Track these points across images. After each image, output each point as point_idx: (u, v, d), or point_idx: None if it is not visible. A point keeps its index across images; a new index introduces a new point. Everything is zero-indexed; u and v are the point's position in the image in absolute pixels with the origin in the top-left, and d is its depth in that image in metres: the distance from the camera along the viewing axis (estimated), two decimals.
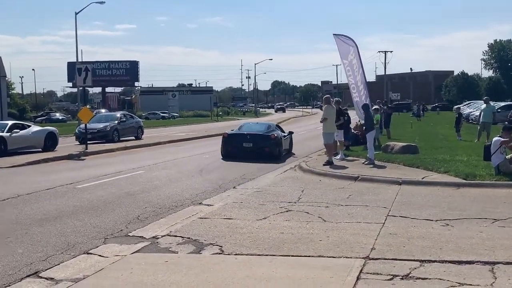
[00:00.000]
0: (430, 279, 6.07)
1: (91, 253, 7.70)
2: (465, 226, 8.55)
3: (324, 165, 16.39)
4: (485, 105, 25.92)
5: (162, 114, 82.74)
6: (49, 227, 9.25)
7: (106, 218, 9.97)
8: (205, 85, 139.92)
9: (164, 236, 8.49)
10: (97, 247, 8.03)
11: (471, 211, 9.68)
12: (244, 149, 19.93)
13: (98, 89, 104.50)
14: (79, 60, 45.76)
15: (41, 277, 6.66)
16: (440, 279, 6.05)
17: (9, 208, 10.97)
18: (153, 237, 8.46)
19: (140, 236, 8.57)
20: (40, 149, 23.19)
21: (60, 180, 14.74)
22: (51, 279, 6.57)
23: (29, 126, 24.39)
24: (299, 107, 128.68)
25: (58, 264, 7.18)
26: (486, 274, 6.21)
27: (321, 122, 17.26)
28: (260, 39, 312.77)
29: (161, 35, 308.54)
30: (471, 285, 5.84)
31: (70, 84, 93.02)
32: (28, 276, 6.71)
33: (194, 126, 51.52)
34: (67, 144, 27.42)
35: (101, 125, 29.08)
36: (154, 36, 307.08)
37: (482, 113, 25.01)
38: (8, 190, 12.97)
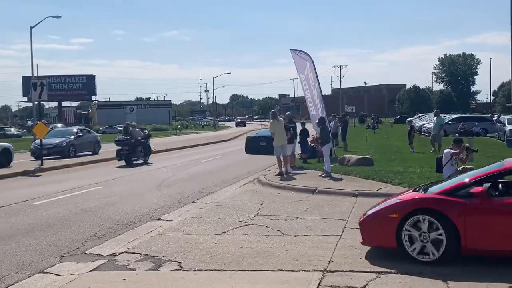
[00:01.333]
0: None
1: (47, 272, 7.52)
2: None
3: (275, 175, 16.81)
4: (435, 118, 26.63)
5: (119, 128, 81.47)
6: (3, 246, 8.98)
7: (63, 236, 9.74)
8: (163, 99, 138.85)
9: (122, 253, 8.34)
10: (53, 265, 7.84)
11: None
12: (260, 146, 28.47)
13: (54, 103, 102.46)
14: (35, 74, 44.80)
15: None
16: None
17: None
18: (111, 254, 8.31)
19: (97, 254, 8.41)
20: None
21: (15, 197, 14.33)
22: None
23: None
24: (257, 120, 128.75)
25: (13, 284, 7.01)
26: (441, 285, 6.33)
27: (274, 135, 17.65)
28: (219, 54, 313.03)
29: (118, 49, 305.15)
30: None
31: (26, 99, 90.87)
32: None
33: (152, 140, 50.91)
34: (23, 160, 26.67)
35: (57, 141, 28.37)
36: (111, 50, 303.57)
37: (433, 125, 25.71)
38: None
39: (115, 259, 8.00)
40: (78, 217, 11.46)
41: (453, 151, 13.07)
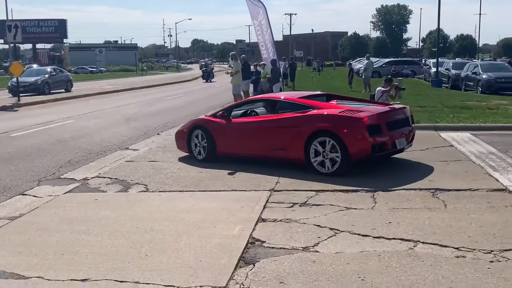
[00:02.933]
0: (323, 205, 6.38)
1: (26, 194, 7.43)
2: None
3: None
4: (366, 61, 27.07)
5: (90, 69, 79.05)
6: None
7: (39, 163, 9.58)
8: (130, 42, 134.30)
9: (93, 177, 8.30)
10: (32, 188, 7.75)
11: None
12: None
13: (29, 46, 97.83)
14: (10, 18, 42.33)
15: None
16: (331, 205, 6.37)
17: None
18: (84, 178, 8.25)
19: (71, 178, 8.33)
20: None
21: None
22: None
23: None
24: (216, 63, 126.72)
25: None
26: (368, 199, 6.58)
27: (231, 75, 17.45)
28: (181, 0, 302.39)
29: None
30: (356, 208, 6.20)
31: (1, 41, 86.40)
32: None
33: (120, 80, 49.66)
34: (1, 97, 25.73)
35: (32, 79, 27.60)
36: None
37: (364, 68, 26.13)
38: None
39: (87, 183, 7.96)
40: (53, 147, 11.25)
41: (383, 89, 13.31)
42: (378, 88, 13.82)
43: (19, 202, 7.00)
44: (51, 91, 28.11)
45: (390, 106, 8.86)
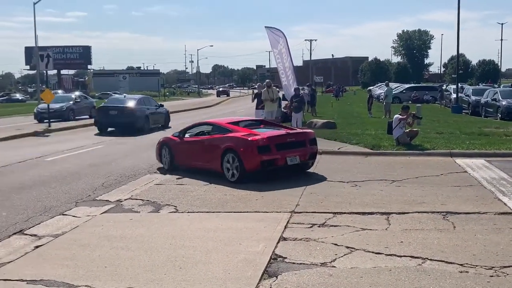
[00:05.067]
0: (340, 226, 6.93)
1: (66, 214, 8.11)
2: (369, 186, 9.47)
3: None
4: (386, 88, 27.69)
5: (114, 95, 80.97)
6: (26, 194, 9.53)
7: (75, 186, 10.31)
8: (152, 68, 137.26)
9: (127, 199, 8.97)
10: (70, 209, 8.44)
11: (375, 175, 10.62)
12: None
13: (53, 71, 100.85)
14: (36, 45, 44.13)
15: (26, 234, 7.06)
16: (348, 226, 6.92)
17: None
18: (118, 200, 8.92)
19: (106, 200, 9.01)
20: None
21: (30, 154, 14.78)
22: (35, 235, 6.98)
23: None
24: (236, 88, 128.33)
25: (39, 224, 7.58)
26: (383, 221, 7.13)
27: (272, 102, 18.04)
28: (201, 28, 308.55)
29: (109, 22, 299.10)
30: (371, 229, 6.73)
31: (28, 67, 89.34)
32: (15, 233, 7.10)
33: None
34: (27, 122, 26.87)
35: (57, 105, 27.92)
36: (103, 23, 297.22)
37: (385, 94, 26.74)
38: None
39: (121, 204, 8.64)
40: (86, 171, 12.01)
41: (400, 116, 13.84)
42: (395, 116, 14.34)
43: (60, 222, 7.69)
44: (76, 118, 28.80)
45: (288, 131, 10.99)
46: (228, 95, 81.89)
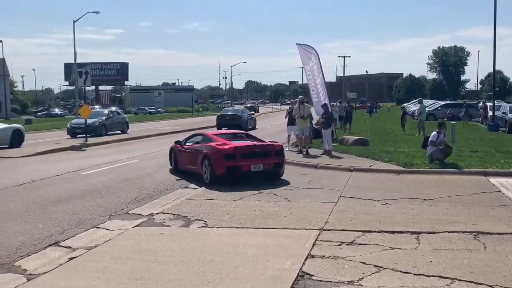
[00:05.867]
0: (369, 244, 6.90)
1: (99, 227, 8.32)
2: (400, 205, 9.39)
3: (297, 153, 17.46)
4: (420, 105, 27.40)
5: (149, 110, 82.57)
6: (62, 207, 9.83)
7: (109, 199, 10.57)
8: (187, 84, 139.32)
9: (158, 213, 9.15)
10: (104, 222, 8.65)
11: (406, 193, 10.51)
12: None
13: (91, 87, 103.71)
14: (75, 61, 45.62)
15: (61, 246, 7.28)
16: (377, 244, 6.88)
17: (26, 191, 11.48)
18: (149, 214, 9.11)
19: (138, 214, 9.21)
20: (6, 146, 21.58)
21: (67, 168, 15.22)
22: (69, 247, 7.19)
23: None
24: (269, 104, 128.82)
25: (74, 236, 7.79)
26: (412, 240, 7.06)
27: (303, 119, 17.94)
28: (235, 44, 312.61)
29: (145, 38, 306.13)
30: (400, 248, 6.68)
31: (67, 83, 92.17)
32: (50, 245, 7.32)
33: (178, 121, 51.81)
34: (66, 137, 27.67)
35: (90, 121, 27.48)
36: (139, 40, 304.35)
37: (419, 111, 26.48)
38: (23, 177, 13.45)
39: (153, 218, 8.81)
40: (120, 185, 12.30)
41: (437, 134, 13.72)
42: (433, 133, 14.23)
43: (94, 234, 7.90)
44: (108, 133, 29.10)
45: (256, 143, 12.74)
46: (256, 111, 74.18)
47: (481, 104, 44.19)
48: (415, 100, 63.92)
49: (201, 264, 6.19)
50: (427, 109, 35.30)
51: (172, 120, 54.29)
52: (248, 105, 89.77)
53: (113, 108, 37.31)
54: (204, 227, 8.14)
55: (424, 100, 35.61)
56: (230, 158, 11.87)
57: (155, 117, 66.99)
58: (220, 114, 37.37)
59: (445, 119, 35.20)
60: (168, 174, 14.09)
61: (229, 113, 36.38)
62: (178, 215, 8.94)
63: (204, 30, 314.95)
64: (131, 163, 16.71)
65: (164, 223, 8.43)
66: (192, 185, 12.19)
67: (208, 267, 6.07)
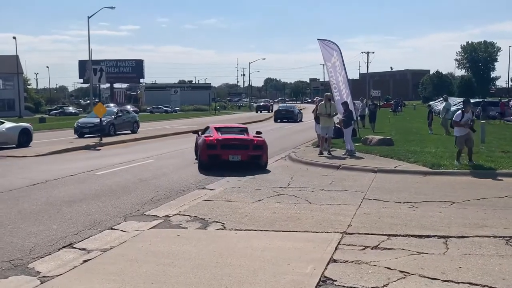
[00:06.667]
0: (394, 249, 6.82)
1: (114, 229, 8.38)
2: (427, 208, 9.28)
3: (318, 155, 17.09)
4: (445, 102, 27.09)
5: (165, 108, 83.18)
6: (76, 208, 9.93)
7: (124, 200, 10.65)
8: (204, 82, 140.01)
9: (175, 215, 9.18)
10: (119, 223, 8.71)
11: (433, 195, 10.39)
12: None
13: (106, 85, 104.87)
14: (89, 58, 46.11)
15: (75, 248, 7.35)
16: (403, 249, 6.80)
17: (40, 191, 11.63)
18: (166, 215, 9.15)
19: (154, 215, 9.26)
20: (14, 146, 21.78)
21: (81, 167, 15.39)
22: (84, 249, 7.26)
23: (2, 123, 22.31)
24: (289, 102, 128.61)
25: (88, 238, 7.86)
26: (440, 245, 6.96)
27: (329, 116, 17.58)
28: (253, 40, 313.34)
29: (162, 35, 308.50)
30: (427, 253, 6.59)
31: (81, 80, 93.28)
32: (64, 247, 7.39)
33: (195, 120, 52.09)
34: (67, 137, 27.65)
35: (97, 120, 26.60)
36: (156, 36, 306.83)
37: (443, 109, 26.21)
38: (37, 176, 13.63)
39: (169, 220, 8.85)
40: (136, 185, 12.39)
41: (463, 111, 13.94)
42: (457, 112, 14.28)
43: (109, 236, 7.96)
44: (117, 132, 28.74)
45: (237, 137, 15.37)
46: (269, 110, 72.74)
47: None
48: (441, 98, 63.18)
49: (218, 267, 6.19)
50: (453, 107, 34.83)
51: (188, 119, 54.60)
52: (261, 103, 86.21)
53: (128, 107, 37.60)
54: (222, 229, 8.14)
55: (451, 98, 35.17)
56: (212, 148, 14.74)
57: (171, 115, 67.43)
58: (277, 109, 51.16)
59: (475, 118, 34.62)
60: (185, 174, 14.16)
61: (284, 108, 50.34)
62: (195, 216, 8.97)
63: (221, 26, 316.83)
64: (147, 163, 16.83)
65: (180, 225, 8.46)
66: (210, 186, 12.24)
67: (226, 270, 6.07)
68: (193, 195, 11.15)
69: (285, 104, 64.14)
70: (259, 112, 71.77)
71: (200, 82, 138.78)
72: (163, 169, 15.19)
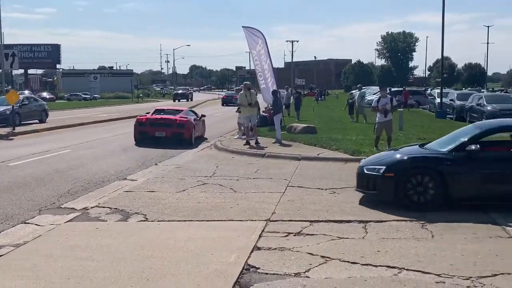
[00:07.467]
0: (317, 235, 7.01)
1: (28, 223, 8.00)
2: (348, 194, 9.57)
3: (244, 145, 16.90)
4: (359, 92, 28.51)
5: (84, 96, 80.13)
6: None
7: (39, 193, 10.18)
8: (125, 68, 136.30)
9: (93, 207, 8.90)
10: (34, 217, 8.33)
11: (354, 181, 10.61)
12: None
13: (20, 71, 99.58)
14: (1, 42, 43.48)
15: None
16: (325, 234, 7.00)
17: None
18: (84, 208, 8.84)
19: (71, 208, 8.92)
20: None
21: None
22: None
23: None
24: (215, 90, 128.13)
25: (0, 232, 7.46)
26: (360, 230, 7.23)
27: (251, 106, 17.37)
28: (178, 25, 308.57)
29: (80, 19, 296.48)
30: (347, 238, 6.83)
31: None
32: None
33: (116, 108, 50.65)
34: None
35: (1, 109, 24.77)
36: (74, 20, 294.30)
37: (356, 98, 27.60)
38: None
39: (88, 212, 8.57)
40: (51, 177, 11.88)
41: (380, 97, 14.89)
42: (375, 98, 15.13)
43: (22, 230, 7.59)
44: (22, 122, 25.95)
45: (164, 117, 18.77)
46: (189, 99, 67.84)
47: (428, 92, 45.64)
48: (365, 87, 65.37)
49: (140, 260, 6.08)
50: (370, 96, 36.25)
51: (109, 107, 52.99)
52: (179, 91, 75.62)
53: (44, 94, 35.68)
54: (144, 221, 7.99)
55: (372, 87, 36.59)
56: (142, 125, 18.40)
57: (91, 103, 65.13)
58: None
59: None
60: (105, 165, 13.76)
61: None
62: (115, 208, 8.74)
63: (145, 10, 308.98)
64: (63, 153, 16.17)
65: (99, 218, 8.21)
66: (132, 176, 11.98)
67: (148, 263, 5.96)
68: (113, 186, 10.86)
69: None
70: (176, 101, 64.84)
71: (121, 69, 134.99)
72: (81, 160, 14.66)
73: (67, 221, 8.04)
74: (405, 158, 8.79)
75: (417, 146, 9.75)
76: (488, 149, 8.88)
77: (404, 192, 8.21)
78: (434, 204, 8.12)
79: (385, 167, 8.54)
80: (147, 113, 19.97)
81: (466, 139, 8.54)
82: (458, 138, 8.86)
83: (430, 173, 8.21)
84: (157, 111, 19.85)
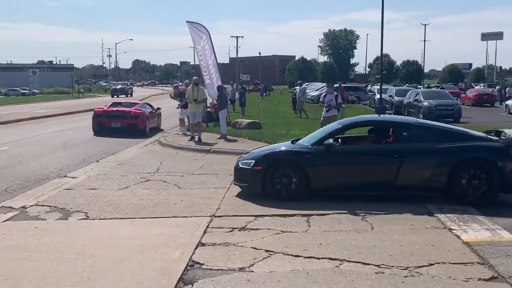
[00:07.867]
0: (261, 229, 7.05)
1: None
2: None
3: (189, 140, 16.80)
4: (300, 87, 29.29)
5: (22, 91, 77.10)
6: None
7: None
8: (66, 62, 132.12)
9: (32, 206, 8.60)
10: None
11: None
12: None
13: None
14: None
15: None
16: (269, 228, 7.06)
17: None
18: (22, 207, 8.53)
19: (9, 207, 8.58)
20: None
21: None
22: None
23: None
24: (159, 85, 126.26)
25: None
26: (303, 223, 7.33)
27: (196, 103, 17.00)
28: (121, 20, 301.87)
29: (21, 11, 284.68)
30: (291, 232, 6.91)
31: None
32: None
33: (55, 103, 48.95)
34: None
35: None
36: (14, 12, 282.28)
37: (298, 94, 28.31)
38: None
39: (26, 211, 8.26)
40: None
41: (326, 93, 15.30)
42: (322, 94, 15.74)
43: None
44: None
45: (120, 109, 20.43)
46: (128, 95, 64.98)
47: (368, 88, 46.82)
48: (306, 84, 66.25)
49: (81, 259, 5.92)
50: (313, 92, 36.91)
51: (48, 102, 51.18)
52: (118, 86, 72.19)
53: None
54: (85, 219, 7.79)
55: (315, 83, 37.23)
56: (100, 117, 19.98)
57: (30, 98, 62.70)
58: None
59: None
60: (44, 162, 13.29)
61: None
62: (55, 207, 8.47)
63: (86, 3, 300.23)
64: (0, 150, 15.49)
65: (38, 217, 7.94)
66: (73, 174, 11.64)
67: (89, 262, 5.82)
68: (53, 184, 10.51)
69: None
70: (115, 96, 60.77)
71: (61, 63, 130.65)
72: (18, 157, 14.09)
73: (5, 220, 7.73)
74: (271, 152, 9.39)
75: (290, 141, 10.26)
76: (351, 143, 9.74)
77: (270, 183, 8.74)
78: (298, 194, 8.68)
79: (254, 161, 9.07)
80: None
81: (325, 134, 9.25)
82: (323, 133, 9.48)
83: (292, 166, 8.82)
84: (114, 104, 21.61)
